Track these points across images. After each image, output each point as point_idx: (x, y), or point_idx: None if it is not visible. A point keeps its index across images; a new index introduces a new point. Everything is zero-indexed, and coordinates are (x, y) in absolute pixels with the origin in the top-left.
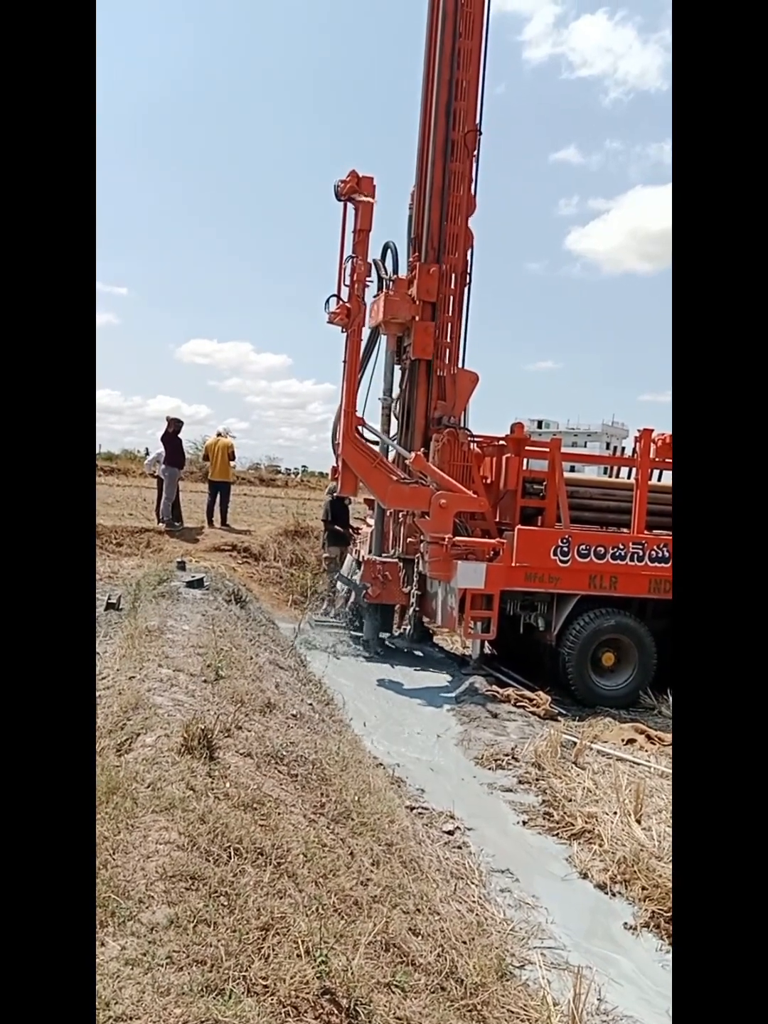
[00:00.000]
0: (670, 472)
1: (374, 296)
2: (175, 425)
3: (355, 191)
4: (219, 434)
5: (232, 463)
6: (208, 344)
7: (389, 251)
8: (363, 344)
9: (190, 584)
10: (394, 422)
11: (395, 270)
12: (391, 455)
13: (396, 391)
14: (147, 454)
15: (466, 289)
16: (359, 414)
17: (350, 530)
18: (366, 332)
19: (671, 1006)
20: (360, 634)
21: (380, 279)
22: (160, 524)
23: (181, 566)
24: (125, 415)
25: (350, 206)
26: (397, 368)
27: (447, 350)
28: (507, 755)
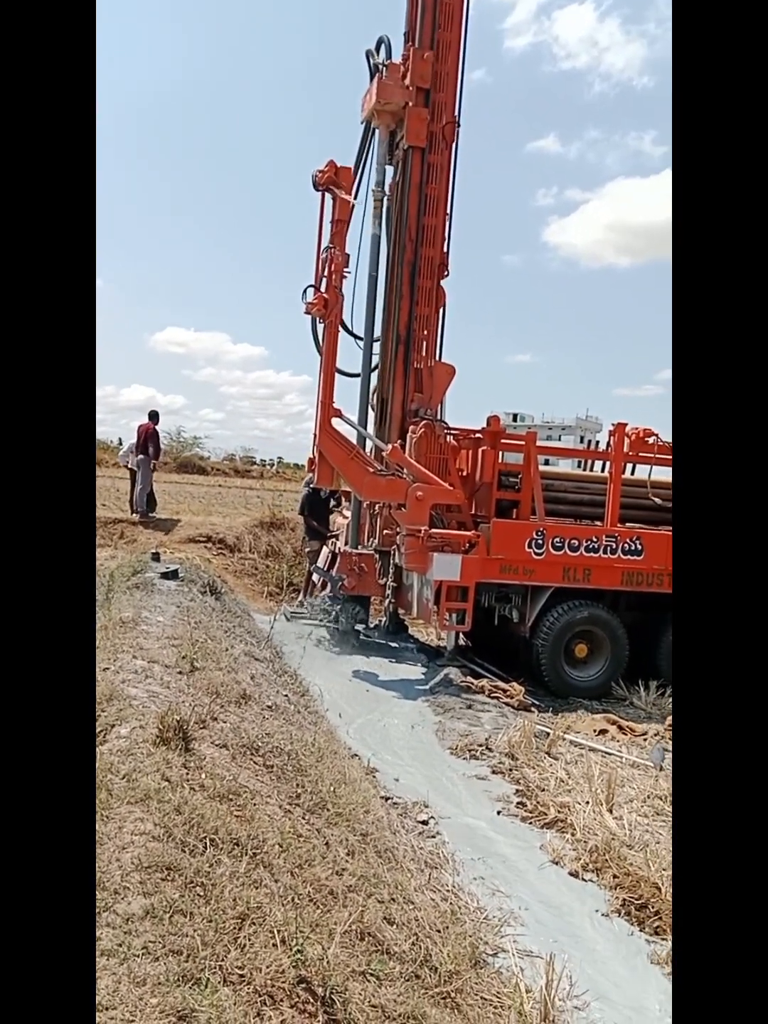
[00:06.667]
0: (642, 466)
1: (367, 88)
2: (154, 419)
3: (333, 182)
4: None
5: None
6: (184, 333)
7: (383, 43)
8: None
9: (164, 575)
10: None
11: (388, 57)
12: (368, 447)
13: (387, 185)
14: (121, 445)
15: (441, 282)
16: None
17: (328, 526)
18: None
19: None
20: (336, 626)
21: (373, 67)
22: (134, 515)
23: (155, 557)
24: (98, 405)
25: (328, 196)
26: (388, 167)
27: (424, 342)
28: (481, 745)
